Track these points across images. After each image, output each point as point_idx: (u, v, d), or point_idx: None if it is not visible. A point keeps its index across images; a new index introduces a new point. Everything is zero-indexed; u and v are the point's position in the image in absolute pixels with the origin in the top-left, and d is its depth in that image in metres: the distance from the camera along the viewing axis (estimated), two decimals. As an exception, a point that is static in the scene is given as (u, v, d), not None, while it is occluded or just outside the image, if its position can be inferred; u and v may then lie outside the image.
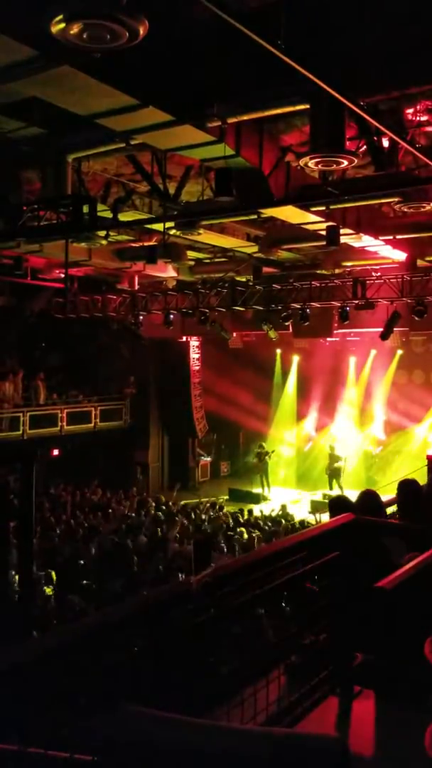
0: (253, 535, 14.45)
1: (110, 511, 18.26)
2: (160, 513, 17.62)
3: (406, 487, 5.97)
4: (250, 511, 18.15)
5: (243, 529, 14.83)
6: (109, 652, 2.85)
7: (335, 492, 20.97)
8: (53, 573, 11.99)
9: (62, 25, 5.03)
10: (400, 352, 21.60)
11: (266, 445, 23.30)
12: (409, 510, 5.80)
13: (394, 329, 18.09)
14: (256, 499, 21.74)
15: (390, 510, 6.05)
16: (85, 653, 2.57)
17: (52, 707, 2.33)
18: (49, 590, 11.17)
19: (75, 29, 5.08)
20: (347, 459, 22.22)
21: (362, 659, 3.91)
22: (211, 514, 18.22)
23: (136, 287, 19.81)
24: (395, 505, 6.06)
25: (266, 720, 3.08)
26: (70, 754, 1.74)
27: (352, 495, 5.75)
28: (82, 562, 13.15)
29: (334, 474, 22.16)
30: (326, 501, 18.94)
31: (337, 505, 5.05)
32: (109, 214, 11.82)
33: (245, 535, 14.27)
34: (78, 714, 2.29)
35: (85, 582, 11.69)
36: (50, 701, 2.32)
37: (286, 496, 21.95)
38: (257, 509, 19.29)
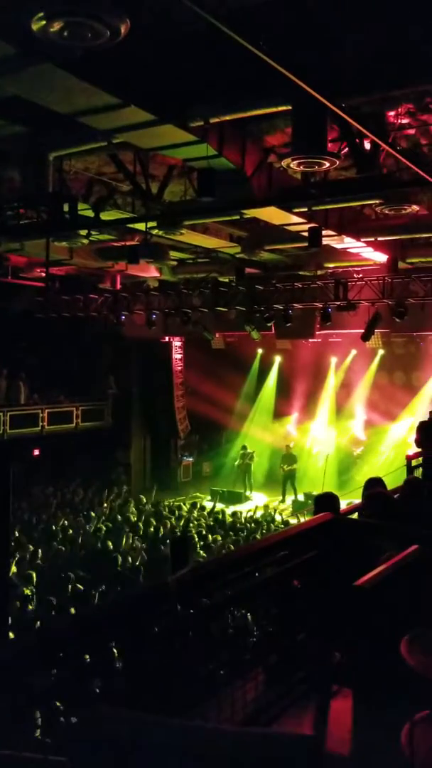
0: (229, 539, 14.43)
1: (92, 511, 18.19)
2: (137, 513, 17.60)
3: (372, 486, 5.98)
4: (234, 513, 18.17)
5: (218, 536, 14.78)
6: (86, 652, 2.83)
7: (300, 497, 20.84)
8: (33, 574, 11.93)
9: (43, 22, 5.01)
10: (381, 352, 21.71)
11: (249, 445, 23.33)
12: (376, 509, 5.81)
13: (376, 330, 18.20)
14: (238, 499, 21.75)
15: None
16: (62, 654, 2.56)
17: (28, 708, 2.32)
18: (28, 591, 11.11)
19: (56, 27, 5.06)
20: (325, 460, 22.12)
21: (340, 658, 3.93)
22: (195, 514, 18.21)
23: (119, 287, 19.75)
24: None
25: (243, 719, 3.08)
26: (45, 755, 1.73)
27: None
28: (62, 562, 13.08)
29: (288, 477, 21.89)
30: (308, 501, 19.02)
31: (323, 502, 5.01)
32: (91, 213, 11.77)
33: (219, 540, 14.24)
34: (53, 714, 2.28)
35: (65, 583, 11.64)
36: (26, 702, 2.30)
37: (268, 498, 21.99)
38: (238, 509, 19.29)
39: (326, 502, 4.90)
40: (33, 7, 4.99)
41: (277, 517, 18.44)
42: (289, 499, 21.50)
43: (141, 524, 16.35)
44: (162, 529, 15.63)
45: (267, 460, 24.05)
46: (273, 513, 18.76)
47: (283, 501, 21.42)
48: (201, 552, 13.23)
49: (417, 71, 6.86)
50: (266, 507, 19.40)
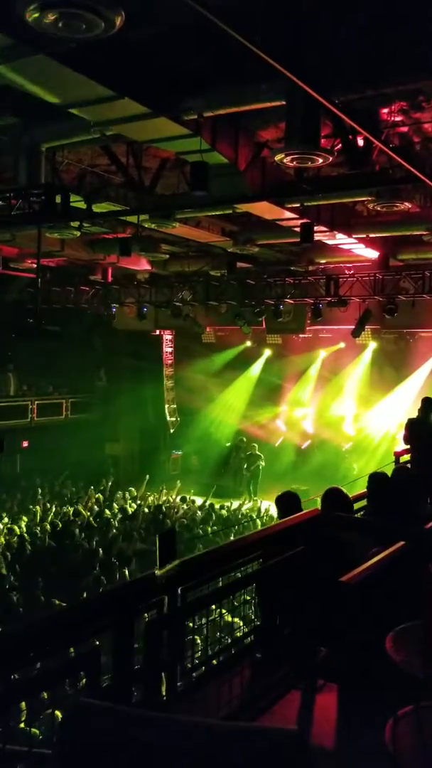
0: (218, 532, 14.44)
1: (80, 504, 18.16)
2: (129, 506, 17.60)
3: (375, 480, 6.05)
4: (224, 507, 18.17)
5: (207, 529, 14.80)
6: (71, 645, 2.84)
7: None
8: (18, 567, 11.93)
9: (37, 13, 4.98)
10: (372, 345, 21.72)
11: (246, 440, 23.25)
12: (378, 503, 5.87)
13: (366, 327, 18.25)
14: (228, 493, 21.72)
15: (360, 504, 6.12)
16: (47, 646, 2.56)
17: (12, 700, 2.32)
18: (16, 581, 11.11)
19: (50, 18, 5.03)
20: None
21: (326, 653, 3.96)
22: (185, 507, 18.21)
23: (110, 279, 19.69)
24: (365, 499, 6.14)
25: (229, 713, 3.10)
26: (29, 748, 1.74)
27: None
28: (50, 554, 13.08)
29: (253, 476, 21.44)
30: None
31: (285, 501, 5.03)
32: (83, 205, 11.72)
33: (208, 533, 14.26)
34: (37, 708, 2.29)
35: (51, 575, 11.64)
36: (10, 694, 2.31)
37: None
38: (227, 503, 19.28)
39: (288, 501, 4.93)
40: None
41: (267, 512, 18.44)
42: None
43: (129, 517, 16.33)
44: (149, 523, 15.63)
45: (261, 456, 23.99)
46: (261, 507, 18.77)
47: (252, 501, 21.17)
48: (191, 546, 13.23)
49: (410, 69, 6.87)
50: (255, 501, 19.39)
